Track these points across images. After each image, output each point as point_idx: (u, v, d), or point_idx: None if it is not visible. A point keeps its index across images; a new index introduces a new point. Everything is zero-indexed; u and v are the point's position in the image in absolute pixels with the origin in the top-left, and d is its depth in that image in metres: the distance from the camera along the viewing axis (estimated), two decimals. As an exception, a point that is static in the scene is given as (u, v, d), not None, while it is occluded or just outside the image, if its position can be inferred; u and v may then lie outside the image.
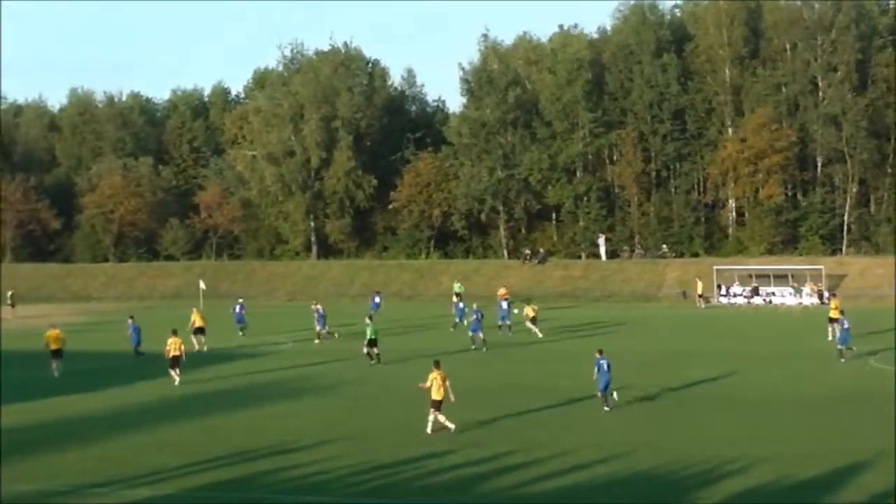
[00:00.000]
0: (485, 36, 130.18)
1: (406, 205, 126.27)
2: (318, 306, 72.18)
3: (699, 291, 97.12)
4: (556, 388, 48.08)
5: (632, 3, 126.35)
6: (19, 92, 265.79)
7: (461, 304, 79.83)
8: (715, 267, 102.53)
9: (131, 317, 65.28)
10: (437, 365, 38.95)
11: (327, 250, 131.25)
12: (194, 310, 69.48)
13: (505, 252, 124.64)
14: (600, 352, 43.36)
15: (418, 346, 65.15)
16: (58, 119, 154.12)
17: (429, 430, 37.73)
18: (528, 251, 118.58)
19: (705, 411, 41.75)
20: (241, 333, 73.16)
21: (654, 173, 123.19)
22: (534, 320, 72.10)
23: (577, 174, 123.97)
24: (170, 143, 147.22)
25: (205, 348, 65.67)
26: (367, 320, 59.31)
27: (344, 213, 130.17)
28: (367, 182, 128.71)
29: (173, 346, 52.51)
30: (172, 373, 52.08)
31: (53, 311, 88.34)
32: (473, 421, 40.05)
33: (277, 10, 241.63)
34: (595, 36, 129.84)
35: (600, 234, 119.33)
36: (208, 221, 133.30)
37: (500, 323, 73.30)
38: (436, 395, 37.95)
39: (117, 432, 39.10)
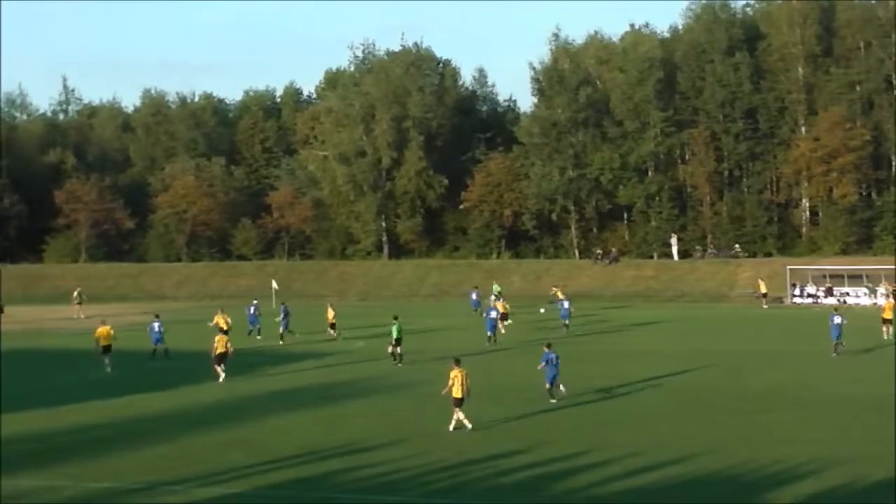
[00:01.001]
0: (556, 35, 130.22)
1: (477, 204, 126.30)
2: (284, 305, 72.79)
3: (763, 291, 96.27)
4: (625, 388, 47.89)
5: (703, 1, 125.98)
6: (94, 93, 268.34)
7: (475, 298, 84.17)
8: (788, 267, 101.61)
9: (157, 315, 65.19)
10: (457, 363, 39.37)
11: (398, 250, 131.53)
12: (218, 311, 70.20)
13: (576, 252, 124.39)
14: (549, 346, 44.92)
15: (493, 347, 65.27)
16: (131, 120, 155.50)
17: (451, 426, 38.05)
18: (599, 251, 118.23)
19: (771, 411, 41.38)
20: (258, 336, 72.73)
21: (726, 172, 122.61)
22: (504, 317, 73.71)
23: (649, 173, 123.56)
24: (242, 143, 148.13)
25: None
26: (393, 319, 59.22)
27: (415, 213, 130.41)
28: (437, 182, 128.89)
29: (220, 344, 53.49)
30: (218, 369, 52.97)
31: (126, 311, 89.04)
32: (543, 420, 40.04)
33: (349, 10, 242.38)
34: (666, 35, 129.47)
35: (672, 234, 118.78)
36: (280, 221, 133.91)
37: (565, 322, 73.33)
38: (457, 392, 38.36)
39: (190, 430, 39.36)
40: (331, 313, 71.49)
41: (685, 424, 39.27)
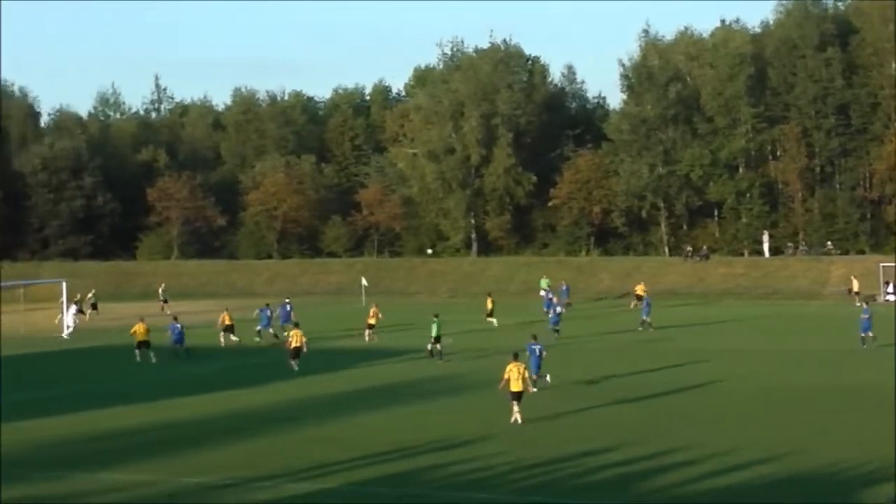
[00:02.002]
0: (645, 32, 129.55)
1: (566, 202, 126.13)
2: (268, 309, 73.13)
3: (855, 289, 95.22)
4: (714, 386, 47.72)
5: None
6: (185, 92, 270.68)
7: (550, 296, 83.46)
8: (881, 264, 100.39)
9: (175, 318, 65.85)
10: (514, 357, 39.76)
11: (487, 247, 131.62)
12: (225, 310, 71.94)
13: (666, 249, 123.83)
14: (534, 337, 47.38)
15: (583, 343, 65.27)
16: (222, 118, 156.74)
17: (512, 419, 38.54)
18: (689, 248, 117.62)
19: (863, 410, 40.95)
20: (285, 333, 72.96)
21: (817, 169, 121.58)
22: (491, 312, 76.21)
23: (740, 170, 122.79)
24: (331, 140, 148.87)
25: (234, 340, 68.97)
26: (434, 317, 59.60)
27: (504, 210, 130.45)
28: (526, 179, 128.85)
29: (295, 338, 54.64)
30: (292, 363, 54.19)
31: (217, 308, 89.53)
32: (632, 418, 39.99)
33: (438, 8, 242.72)
34: (757, 30, 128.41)
35: (763, 231, 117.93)
36: (370, 219, 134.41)
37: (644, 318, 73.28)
38: (514, 386, 38.73)
39: (278, 427, 39.67)
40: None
41: (775, 423, 39.01)
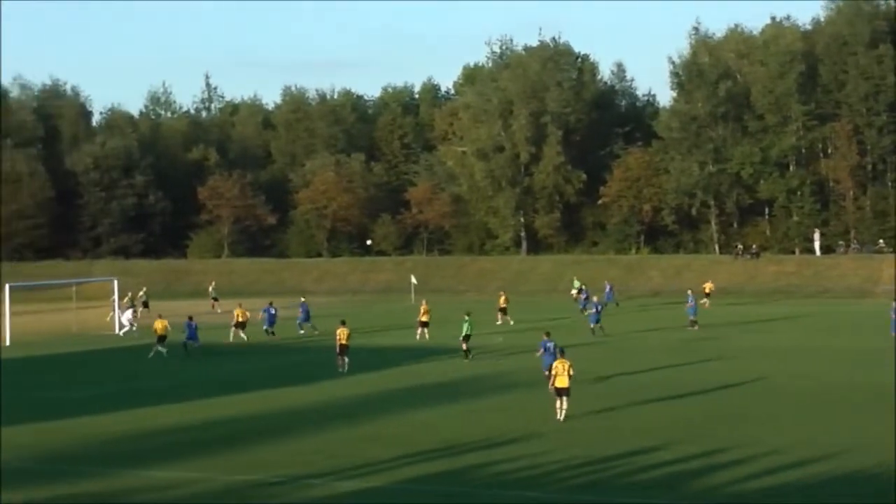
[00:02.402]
0: (695, 29, 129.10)
1: (615, 200, 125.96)
2: (271, 308, 73.97)
3: None
4: (765, 385, 47.47)
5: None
6: (235, 91, 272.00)
7: (586, 294, 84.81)
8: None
9: (190, 317, 66.46)
10: (561, 353, 40.28)
11: (536, 245, 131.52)
12: (239, 306, 73.03)
13: (716, 247, 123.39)
14: (547, 334, 47.80)
15: (632, 342, 65.11)
16: (272, 117, 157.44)
17: (559, 416, 38.71)
18: (740, 246, 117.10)
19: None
20: (301, 331, 74.26)
21: (869, 166, 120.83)
22: (504, 311, 76.00)
23: (790, 168, 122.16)
24: (381, 139, 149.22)
25: (242, 337, 70.22)
26: (465, 316, 59.55)
27: (553, 208, 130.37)
28: (576, 177, 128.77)
29: (342, 336, 54.43)
30: (340, 360, 54.24)
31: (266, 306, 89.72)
32: (682, 416, 39.82)
33: (486, 6, 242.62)
34: (808, 27, 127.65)
35: (815, 229, 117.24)
36: (419, 217, 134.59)
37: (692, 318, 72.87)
38: (559, 382, 38.88)
39: (328, 425, 39.67)
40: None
41: (828, 421, 38.74)
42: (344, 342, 54.41)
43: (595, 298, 77.70)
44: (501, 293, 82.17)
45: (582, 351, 56.12)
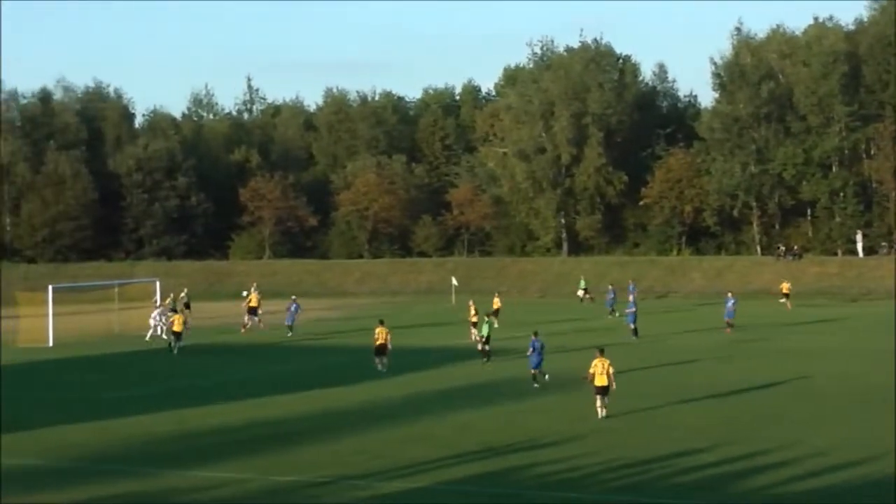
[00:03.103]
0: (738, 29, 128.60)
1: (657, 201, 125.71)
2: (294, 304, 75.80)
3: None
4: (808, 386, 47.30)
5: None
6: (277, 93, 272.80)
7: (612, 295, 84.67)
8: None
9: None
10: (600, 352, 40.55)
11: (578, 247, 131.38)
12: (252, 289, 77.67)
13: (758, 248, 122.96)
14: (535, 333, 48.39)
15: (673, 342, 65.00)
16: (314, 118, 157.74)
17: (599, 415, 39.38)
18: (782, 247, 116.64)
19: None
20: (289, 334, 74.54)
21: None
22: (496, 312, 74.01)
23: (833, 169, 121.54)
24: (422, 140, 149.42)
25: (246, 322, 74.61)
26: (486, 318, 59.73)
27: (594, 210, 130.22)
28: (617, 178, 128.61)
29: (380, 336, 54.37)
30: (377, 360, 54.21)
31: (309, 307, 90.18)
32: (724, 417, 39.75)
33: (528, 7, 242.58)
34: (851, 28, 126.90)
35: (857, 230, 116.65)
36: (460, 218, 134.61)
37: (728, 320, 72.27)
38: (598, 381, 39.58)
39: (371, 426, 39.76)
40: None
41: (872, 423, 38.53)
42: (382, 342, 54.27)
43: (631, 298, 76.85)
44: (497, 294, 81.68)
45: (620, 350, 56.09)
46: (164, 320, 74.69)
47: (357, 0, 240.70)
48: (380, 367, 54.03)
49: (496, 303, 77.60)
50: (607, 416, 39.05)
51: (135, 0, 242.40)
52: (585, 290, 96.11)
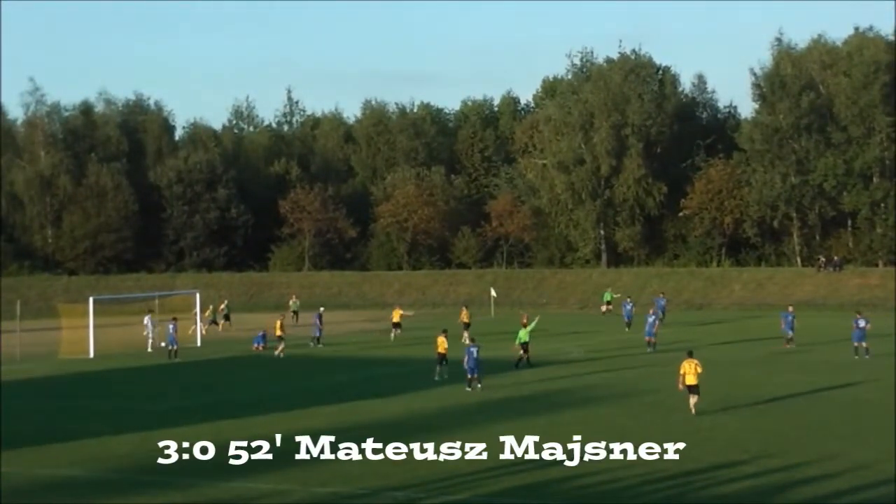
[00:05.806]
0: (778, 40, 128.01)
1: (697, 212, 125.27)
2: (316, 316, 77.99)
3: None
4: (847, 398, 47.07)
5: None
6: (317, 105, 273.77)
7: (629, 306, 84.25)
8: None
9: (174, 318, 70.69)
10: (689, 354, 43.71)
11: (617, 258, 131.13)
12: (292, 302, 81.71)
13: (798, 259, 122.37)
14: (472, 340, 54.00)
15: (716, 353, 64.82)
16: (353, 130, 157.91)
17: (693, 411, 42.50)
18: (822, 258, 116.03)
19: None
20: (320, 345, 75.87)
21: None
22: (467, 326, 75.47)
23: (874, 179, 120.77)
24: (461, 152, 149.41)
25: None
26: (522, 325, 60.74)
27: (634, 221, 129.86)
28: (657, 189, 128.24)
29: (441, 345, 56.45)
30: (438, 368, 55.97)
31: (351, 318, 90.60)
32: (766, 428, 39.58)
33: (566, 18, 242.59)
34: (892, 38, 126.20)
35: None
36: (499, 230, 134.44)
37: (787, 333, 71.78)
38: (689, 381, 42.78)
39: (412, 437, 39.59)
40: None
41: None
42: (442, 351, 56.13)
43: (651, 310, 76.04)
44: (464, 308, 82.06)
45: (655, 358, 55.97)
46: (154, 329, 75.42)
47: (395, 10, 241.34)
48: (437, 377, 55.31)
49: (465, 316, 78.61)
50: (693, 413, 42.15)
51: (175, 14, 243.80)
52: (608, 302, 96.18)
